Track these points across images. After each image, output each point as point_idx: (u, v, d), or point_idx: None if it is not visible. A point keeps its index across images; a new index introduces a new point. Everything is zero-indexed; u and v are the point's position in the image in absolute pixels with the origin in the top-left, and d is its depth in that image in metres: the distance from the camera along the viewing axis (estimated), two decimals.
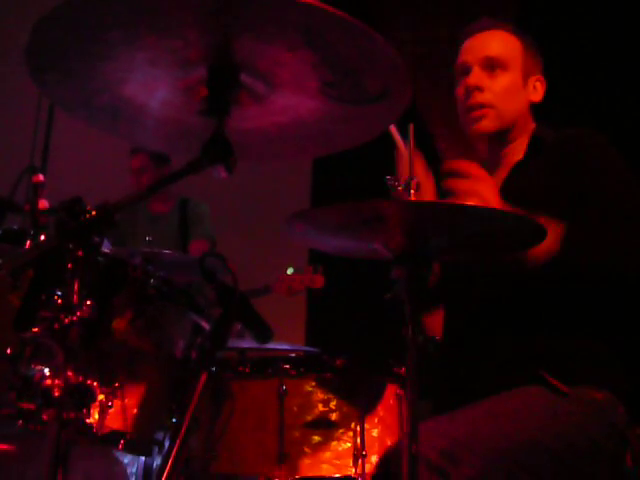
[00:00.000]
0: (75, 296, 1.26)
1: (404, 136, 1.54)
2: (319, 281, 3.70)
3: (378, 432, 1.74)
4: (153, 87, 1.28)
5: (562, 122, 2.05)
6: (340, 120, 1.35)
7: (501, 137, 2.06)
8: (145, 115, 1.36)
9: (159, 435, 1.54)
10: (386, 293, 1.75)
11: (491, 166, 2.12)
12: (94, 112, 1.37)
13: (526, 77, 2.07)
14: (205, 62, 1.21)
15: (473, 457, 1.59)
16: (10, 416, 1.30)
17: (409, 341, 1.38)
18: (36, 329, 1.27)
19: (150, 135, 1.46)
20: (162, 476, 1.40)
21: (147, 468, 1.90)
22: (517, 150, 2.07)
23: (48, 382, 1.26)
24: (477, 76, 2.03)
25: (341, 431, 1.71)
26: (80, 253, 1.23)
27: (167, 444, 1.51)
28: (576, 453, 1.69)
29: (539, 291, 1.80)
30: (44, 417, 1.26)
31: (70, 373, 1.26)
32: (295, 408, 1.71)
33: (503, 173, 2.07)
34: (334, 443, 1.71)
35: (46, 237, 1.40)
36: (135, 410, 1.45)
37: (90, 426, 1.35)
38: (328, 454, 1.70)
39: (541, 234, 1.42)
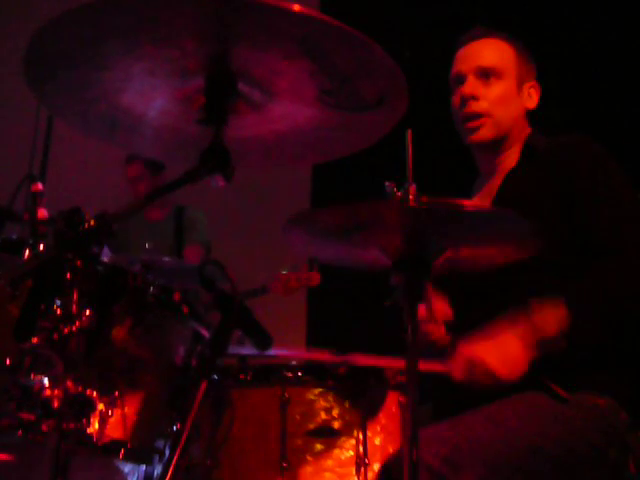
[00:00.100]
0: (74, 306, 1.26)
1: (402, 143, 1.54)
2: (315, 278, 3.70)
3: (380, 440, 1.74)
4: (151, 96, 1.28)
5: (556, 128, 2.06)
6: (338, 127, 1.35)
7: (497, 145, 2.07)
8: (143, 124, 1.36)
9: (159, 443, 1.54)
10: (386, 299, 1.76)
11: (487, 174, 2.12)
12: (92, 121, 1.38)
13: (520, 84, 2.08)
14: (203, 71, 1.21)
15: (474, 464, 1.59)
16: (10, 426, 1.29)
17: (409, 347, 1.38)
18: (35, 339, 1.26)
19: (148, 144, 1.47)
20: None
21: (148, 477, 1.89)
22: (511, 157, 2.07)
23: (47, 392, 1.26)
24: (472, 85, 2.04)
25: (343, 439, 1.71)
26: (79, 263, 1.24)
27: (167, 452, 1.51)
28: (577, 459, 1.69)
29: (533, 297, 1.79)
30: (44, 427, 1.26)
31: (70, 383, 1.26)
32: (297, 416, 1.71)
33: (498, 181, 2.07)
34: (336, 451, 1.70)
35: (45, 247, 1.40)
36: (135, 419, 1.45)
37: (90, 436, 1.34)
38: (330, 462, 1.69)
39: (536, 234, 1.43)
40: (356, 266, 1.67)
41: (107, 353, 1.40)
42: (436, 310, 2.04)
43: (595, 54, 4.12)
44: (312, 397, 1.72)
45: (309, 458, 1.69)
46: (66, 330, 1.26)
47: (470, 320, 1.98)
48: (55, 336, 1.26)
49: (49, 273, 1.30)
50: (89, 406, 1.30)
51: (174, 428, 1.51)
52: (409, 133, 1.52)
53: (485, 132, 2.03)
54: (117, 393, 1.40)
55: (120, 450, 1.42)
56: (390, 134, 1.36)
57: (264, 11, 1.07)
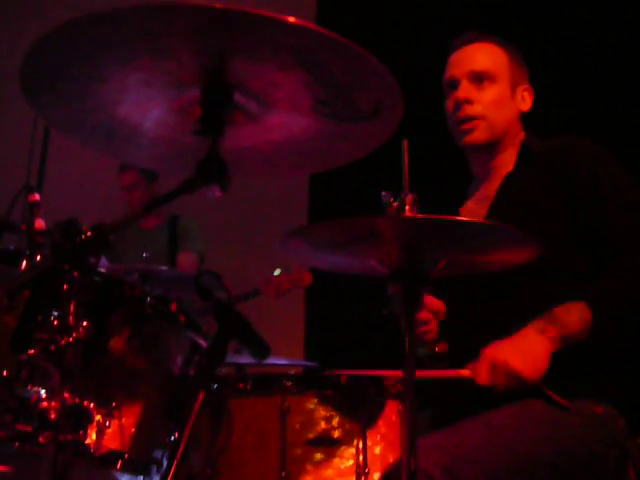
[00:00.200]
0: (71, 317, 1.26)
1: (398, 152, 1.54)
2: (307, 278, 3.69)
3: (380, 449, 1.73)
4: (147, 107, 1.29)
5: (550, 130, 2.07)
6: (334, 137, 1.36)
7: (492, 148, 2.07)
8: (140, 135, 1.36)
9: (157, 454, 1.53)
10: (383, 309, 1.76)
11: (482, 177, 2.13)
12: (89, 132, 1.38)
13: (514, 87, 2.09)
14: (199, 82, 1.22)
15: (474, 472, 1.58)
16: (7, 438, 1.28)
17: (406, 356, 1.38)
18: (32, 350, 1.26)
19: (145, 155, 1.47)
20: None
21: None
22: (507, 161, 2.08)
23: (44, 404, 1.26)
24: (466, 89, 2.05)
25: (343, 448, 1.70)
26: (76, 274, 1.24)
27: (165, 463, 1.50)
28: (577, 466, 1.68)
29: (539, 305, 1.80)
30: (41, 439, 1.26)
31: (67, 394, 1.26)
32: (297, 425, 1.70)
33: (494, 185, 2.07)
34: (336, 460, 1.70)
35: (42, 258, 1.40)
36: (133, 429, 1.44)
37: (87, 447, 1.34)
38: (330, 472, 1.69)
39: (533, 247, 1.43)
40: (354, 275, 1.67)
41: (104, 364, 1.40)
42: (429, 305, 2.04)
43: (588, 56, 4.14)
44: (312, 406, 1.71)
45: (309, 467, 1.69)
46: (63, 341, 1.26)
47: (467, 325, 1.98)
48: (52, 347, 1.26)
49: (46, 284, 1.30)
50: (86, 417, 1.29)
51: (172, 438, 1.51)
52: (405, 143, 1.53)
53: (479, 134, 2.04)
54: (114, 404, 1.40)
55: (118, 461, 1.41)
56: (388, 142, 1.37)
57: (260, 23, 1.07)
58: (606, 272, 1.83)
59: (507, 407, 1.73)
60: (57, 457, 1.25)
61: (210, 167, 1.24)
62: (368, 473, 1.69)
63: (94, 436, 1.35)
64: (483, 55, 2.09)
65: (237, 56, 1.15)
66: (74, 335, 1.27)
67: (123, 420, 1.41)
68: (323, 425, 1.70)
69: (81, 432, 1.29)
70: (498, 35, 2.15)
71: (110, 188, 4.26)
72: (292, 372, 1.77)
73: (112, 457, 1.40)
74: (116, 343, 1.43)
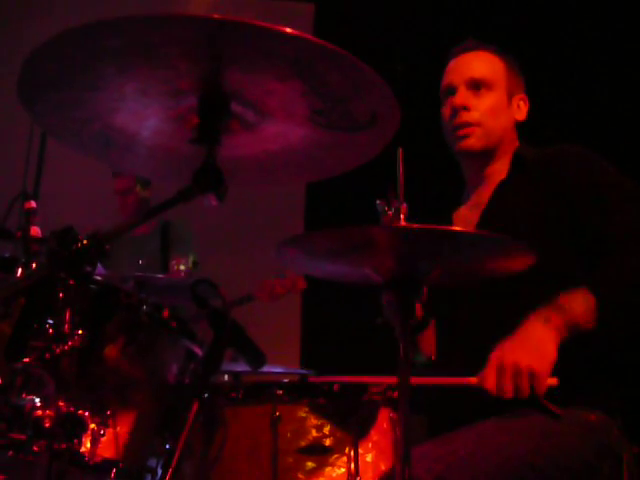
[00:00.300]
0: (67, 325, 1.26)
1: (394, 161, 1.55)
2: (300, 283, 3.69)
3: (372, 457, 1.73)
4: (144, 116, 1.29)
5: (545, 140, 2.08)
6: (330, 147, 1.36)
7: (487, 156, 2.08)
8: (136, 143, 1.37)
9: (152, 462, 1.53)
10: (377, 318, 1.76)
11: (475, 184, 2.13)
12: (86, 140, 1.38)
13: (510, 96, 2.10)
14: (196, 92, 1.22)
15: None
16: (1, 446, 1.28)
17: (401, 364, 1.39)
18: (27, 359, 1.26)
19: (141, 163, 1.47)
20: None
21: None
22: (500, 169, 2.09)
23: (39, 412, 1.26)
24: (463, 96, 2.06)
25: (335, 456, 1.70)
26: (71, 282, 1.24)
27: (160, 471, 1.50)
28: (570, 475, 1.68)
29: (534, 307, 1.80)
30: (35, 448, 1.25)
31: (61, 403, 1.26)
32: (289, 434, 1.70)
33: (487, 192, 2.08)
34: (328, 469, 1.70)
35: (38, 265, 1.40)
36: (127, 438, 1.44)
37: (82, 455, 1.34)
38: None
39: (529, 257, 1.43)
40: (349, 283, 1.68)
41: (99, 372, 1.40)
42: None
43: (584, 67, 4.17)
44: (303, 414, 1.71)
45: (301, 476, 1.69)
46: (58, 349, 1.26)
47: (465, 332, 1.98)
48: (47, 355, 1.26)
49: (41, 292, 1.30)
50: (81, 426, 1.29)
51: (166, 447, 1.51)
52: (400, 152, 1.53)
53: (474, 141, 2.05)
54: (109, 412, 1.40)
55: (112, 470, 1.41)
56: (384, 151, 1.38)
57: (256, 33, 1.08)
58: (607, 259, 1.81)
59: (501, 416, 1.73)
60: (51, 466, 1.24)
61: (206, 176, 1.24)
62: None
63: (88, 444, 1.35)
64: (481, 63, 2.11)
65: (234, 66, 1.16)
66: (69, 343, 1.27)
67: (118, 429, 1.41)
68: (314, 433, 1.70)
69: (75, 440, 1.29)
70: (495, 44, 2.17)
71: (106, 196, 4.26)
72: (284, 380, 1.77)
73: (106, 466, 1.40)
74: (111, 351, 1.43)
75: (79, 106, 1.26)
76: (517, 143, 2.13)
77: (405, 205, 1.44)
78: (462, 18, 4.52)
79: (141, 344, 1.50)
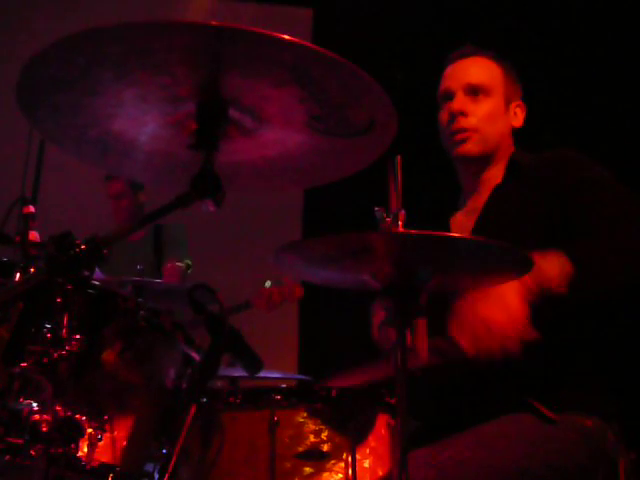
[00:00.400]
0: (64, 330, 1.26)
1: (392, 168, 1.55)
2: (298, 291, 3.69)
3: (370, 463, 1.73)
4: (142, 122, 1.30)
5: (541, 146, 2.08)
6: (328, 153, 1.37)
7: (483, 161, 2.09)
8: (134, 149, 1.37)
9: (149, 467, 1.53)
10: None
11: (471, 190, 2.14)
12: (84, 146, 1.39)
13: (507, 103, 2.11)
14: (194, 98, 1.23)
15: None
16: None
17: (398, 370, 1.39)
18: (25, 363, 1.27)
19: (140, 168, 1.48)
20: None
21: None
22: (496, 174, 2.09)
23: (36, 417, 1.26)
24: (461, 101, 2.06)
25: (333, 462, 1.70)
26: (69, 287, 1.24)
27: (157, 476, 1.50)
28: None
29: (533, 316, 1.80)
30: (32, 452, 1.25)
31: (58, 407, 1.26)
32: (286, 439, 1.71)
33: (483, 198, 2.09)
34: (326, 474, 1.70)
35: (36, 270, 1.40)
36: (124, 443, 1.44)
37: (79, 460, 1.34)
38: None
39: (527, 264, 1.43)
40: (347, 289, 1.68)
41: (97, 377, 1.40)
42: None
43: (581, 70, 4.18)
44: (301, 420, 1.72)
45: None
46: (56, 354, 1.26)
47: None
48: (44, 360, 1.26)
49: (39, 296, 1.30)
50: (78, 430, 1.29)
51: (163, 452, 1.51)
52: (398, 160, 1.54)
53: (471, 146, 2.06)
54: (106, 417, 1.40)
55: (109, 474, 1.41)
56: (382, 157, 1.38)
57: (254, 40, 1.08)
58: (589, 238, 1.81)
59: (496, 421, 1.73)
60: (48, 470, 1.25)
61: (204, 181, 1.25)
62: None
63: (86, 449, 1.35)
64: (479, 69, 2.11)
65: (232, 72, 1.16)
66: (67, 348, 1.27)
67: (115, 433, 1.41)
68: (312, 439, 1.70)
69: (73, 445, 1.29)
70: (493, 50, 2.17)
71: (104, 201, 4.26)
72: (282, 385, 1.77)
73: (104, 470, 1.40)
74: (109, 356, 1.43)
75: (78, 111, 1.26)
76: (513, 149, 2.13)
77: (403, 212, 1.45)
78: (462, 24, 4.53)
79: (139, 349, 1.50)
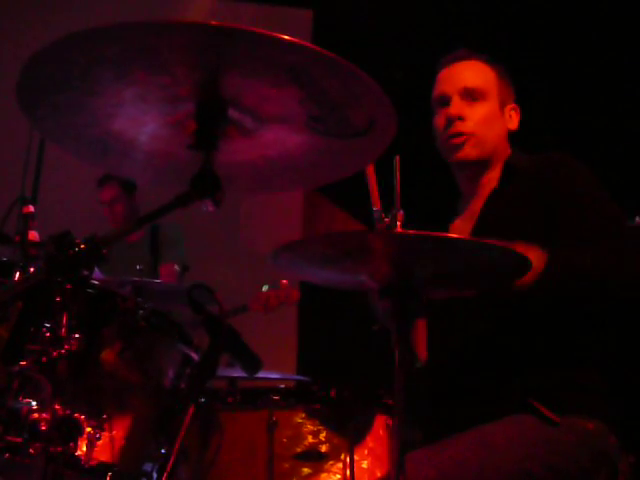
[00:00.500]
0: (63, 329, 1.26)
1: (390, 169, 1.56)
2: (295, 295, 3.70)
3: (368, 463, 1.74)
4: (142, 122, 1.30)
5: (537, 148, 2.09)
6: (327, 153, 1.36)
7: (481, 165, 2.08)
8: (134, 149, 1.37)
9: (147, 467, 1.54)
10: (374, 324, 1.76)
11: (469, 194, 2.14)
12: (84, 146, 1.39)
13: (502, 106, 2.11)
14: (193, 98, 1.23)
15: None
16: None
17: (396, 371, 1.39)
18: (24, 362, 1.27)
19: (139, 168, 1.48)
20: None
21: None
22: (492, 178, 2.09)
23: (35, 415, 1.26)
24: (458, 106, 2.06)
25: (331, 463, 1.71)
26: (69, 286, 1.24)
27: (155, 476, 1.50)
28: None
29: (526, 321, 1.80)
30: (31, 451, 1.26)
31: (57, 406, 1.26)
32: (285, 439, 1.71)
33: (480, 202, 2.08)
34: (324, 475, 1.70)
35: (35, 270, 1.41)
36: (123, 442, 1.45)
37: (78, 459, 1.34)
38: None
39: (525, 266, 1.44)
40: (345, 289, 1.68)
41: (96, 376, 1.40)
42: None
43: (580, 74, 4.19)
44: (299, 420, 1.72)
45: None
46: (55, 353, 1.26)
47: (453, 341, 1.99)
48: (44, 359, 1.26)
49: (39, 296, 1.30)
50: (77, 429, 1.29)
51: (162, 451, 1.51)
52: (397, 160, 1.54)
53: (469, 150, 2.05)
54: (105, 416, 1.40)
55: (108, 473, 1.41)
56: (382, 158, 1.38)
57: (254, 40, 1.08)
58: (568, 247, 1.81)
59: (497, 423, 1.73)
60: (47, 469, 1.25)
61: (204, 181, 1.25)
62: None
63: (84, 448, 1.35)
64: (474, 72, 2.11)
65: (231, 72, 1.16)
66: (66, 347, 1.27)
67: (114, 432, 1.42)
68: (311, 439, 1.71)
69: (71, 444, 1.29)
70: (488, 53, 2.18)
71: None
72: (281, 386, 1.78)
73: (102, 469, 1.40)
74: (108, 355, 1.43)
75: (77, 111, 1.26)
76: (509, 152, 2.13)
77: (402, 212, 1.45)
78: (462, 25, 4.54)
79: (138, 349, 1.50)
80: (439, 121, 2.10)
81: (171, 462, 1.42)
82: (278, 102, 1.22)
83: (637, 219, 2.83)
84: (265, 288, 3.67)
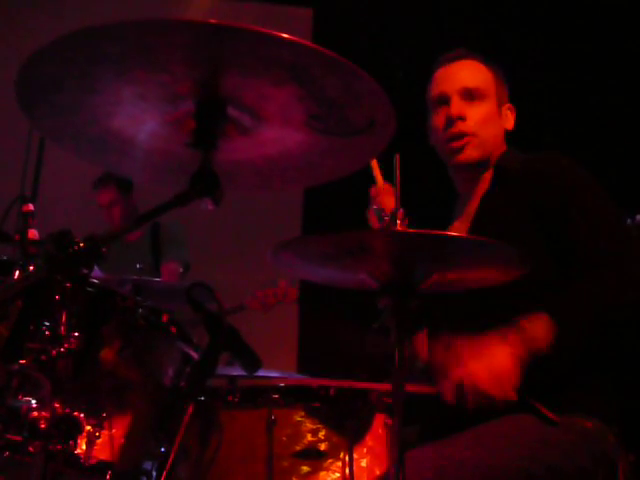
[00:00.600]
0: (63, 328, 1.27)
1: (390, 167, 1.56)
2: (293, 294, 3.70)
3: (367, 462, 1.73)
4: (141, 120, 1.30)
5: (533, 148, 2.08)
6: (327, 152, 1.36)
7: (480, 166, 2.08)
8: (133, 147, 1.37)
9: (147, 465, 1.54)
10: (374, 322, 1.76)
11: (466, 195, 2.13)
12: (83, 144, 1.39)
13: (500, 105, 2.10)
14: (193, 96, 1.23)
15: None
16: None
17: (395, 370, 1.39)
18: (23, 360, 1.27)
19: (138, 166, 1.48)
20: None
21: None
22: (487, 179, 2.08)
23: (35, 414, 1.26)
24: (458, 105, 2.05)
25: (330, 461, 1.71)
26: (68, 285, 1.24)
27: (155, 474, 1.51)
28: None
29: (517, 319, 1.80)
30: (30, 449, 1.26)
31: (57, 404, 1.26)
32: (284, 438, 1.71)
33: (475, 203, 2.08)
34: (323, 473, 1.70)
35: (35, 268, 1.41)
36: (123, 440, 1.45)
37: (77, 457, 1.34)
38: None
39: (524, 262, 1.44)
40: (344, 288, 1.68)
41: (95, 374, 1.41)
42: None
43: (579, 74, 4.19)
44: (299, 419, 1.72)
45: None
46: (54, 351, 1.26)
47: (448, 339, 1.98)
48: (43, 357, 1.26)
49: (38, 294, 1.30)
50: (76, 427, 1.30)
51: (162, 449, 1.51)
52: (397, 158, 1.54)
53: (471, 152, 2.04)
54: (105, 414, 1.40)
55: (107, 471, 1.41)
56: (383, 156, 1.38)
57: (253, 38, 1.08)
58: (569, 287, 1.82)
59: (496, 421, 1.73)
60: (47, 467, 1.25)
61: (203, 180, 1.25)
62: None
63: (84, 446, 1.36)
64: (473, 72, 2.10)
65: (231, 70, 1.16)
66: (65, 345, 1.28)
67: (113, 431, 1.42)
68: (310, 438, 1.71)
69: (71, 442, 1.29)
70: (487, 52, 2.17)
71: None
72: (280, 384, 1.78)
73: (102, 467, 1.40)
74: (107, 354, 1.43)
75: (77, 110, 1.27)
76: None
77: (402, 210, 1.45)
78: (462, 23, 4.54)
79: (137, 347, 1.50)
80: (438, 120, 2.09)
81: (170, 460, 1.42)
82: (277, 101, 1.22)
83: (638, 217, 2.83)
84: (263, 287, 3.68)
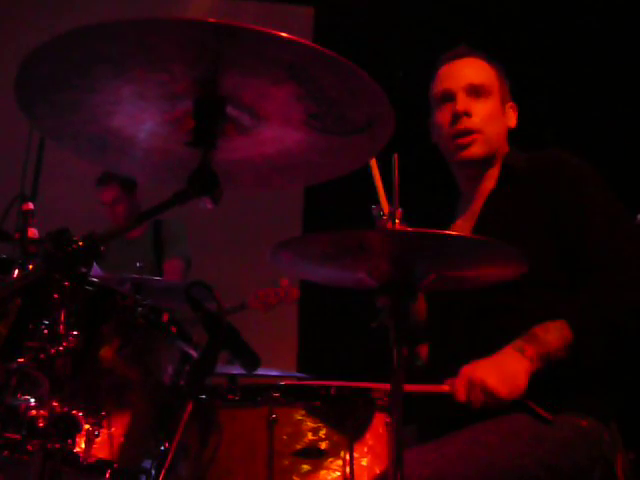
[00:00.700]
0: (62, 326, 1.27)
1: (389, 167, 1.56)
2: (294, 294, 3.70)
3: (367, 461, 1.73)
4: (140, 119, 1.30)
5: (535, 146, 2.08)
6: (325, 151, 1.37)
7: (485, 164, 2.08)
8: (133, 146, 1.37)
9: (146, 464, 1.54)
10: (372, 321, 1.77)
11: (470, 194, 2.13)
12: (83, 143, 1.39)
13: (503, 103, 2.10)
14: (191, 95, 1.23)
15: None
16: None
17: (394, 369, 1.39)
18: (22, 359, 1.27)
19: (137, 165, 1.48)
20: None
21: None
22: (492, 177, 2.08)
23: (33, 412, 1.26)
24: (464, 102, 2.04)
25: (330, 460, 1.71)
26: (67, 283, 1.24)
27: (154, 473, 1.51)
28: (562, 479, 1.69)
29: (521, 323, 1.80)
30: (29, 447, 1.26)
31: (55, 403, 1.26)
32: (284, 437, 1.71)
33: (479, 202, 2.08)
34: (323, 472, 1.70)
35: (34, 266, 1.41)
36: (122, 439, 1.45)
37: (76, 456, 1.34)
38: None
39: (521, 263, 1.44)
40: (344, 287, 1.68)
41: (94, 373, 1.41)
42: None
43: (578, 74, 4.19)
44: (299, 417, 1.72)
45: (296, 479, 1.69)
46: (53, 350, 1.26)
47: (450, 341, 1.99)
48: (42, 356, 1.26)
49: (37, 293, 1.31)
50: (75, 426, 1.30)
51: (161, 448, 1.51)
52: (395, 157, 1.54)
53: (477, 149, 2.04)
54: (104, 413, 1.40)
55: (106, 470, 1.41)
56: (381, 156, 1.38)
57: (252, 37, 1.08)
58: (586, 290, 1.83)
59: (492, 420, 1.73)
60: (45, 466, 1.25)
61: (202, 179, 1.25)
62: None
63: (83, 445, 1.36)
64: (477, 69, 2.10)
65: (230, 69, 1.16)
66: (64, 344, 1.28)
67: (112, 429, 1.42)
68: (310, 436, 1.70)
69: (70, 441, 1.29)
70: (489, 50, 2.17)
71: None
72: (280, 383, 1.77)
73: (101, 466, 1.40)
74: (106, 352, 1.43)
75: (76, 109, 1.27)
76: (508, 150, 2.12)
77: (400, 210, 1.45)
78: (463, 22, 4.53)
79: (136, 345, 1.50)
80: (443, 117, 2.09)
81: (170, 459, 1.42)
82: (276, 100, 1.23)
83: (638, 217, 2.83)
84: (264, 286, 3.68)
